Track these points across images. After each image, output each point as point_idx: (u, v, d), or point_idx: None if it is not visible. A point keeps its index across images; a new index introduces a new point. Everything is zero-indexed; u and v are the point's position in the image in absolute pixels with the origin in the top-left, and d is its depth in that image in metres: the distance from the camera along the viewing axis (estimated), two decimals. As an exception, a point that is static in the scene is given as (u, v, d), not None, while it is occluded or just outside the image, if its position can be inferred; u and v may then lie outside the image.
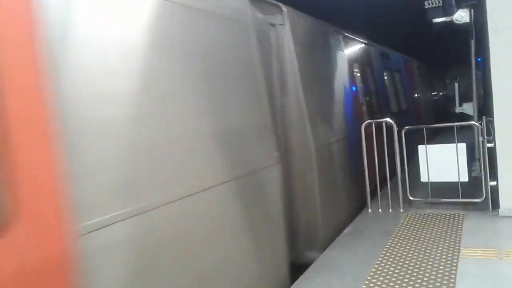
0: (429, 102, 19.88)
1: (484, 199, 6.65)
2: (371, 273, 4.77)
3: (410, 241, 5.63)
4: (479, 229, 5.88)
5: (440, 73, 25.12)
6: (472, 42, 9.00)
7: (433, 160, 7.03)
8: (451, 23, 8.80)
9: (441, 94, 26.98)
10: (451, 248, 5.27)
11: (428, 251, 5.26)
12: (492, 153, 6.55)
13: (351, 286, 4.54)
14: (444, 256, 5.05)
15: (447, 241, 5.52)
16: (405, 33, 14.31)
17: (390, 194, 7.26)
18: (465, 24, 8.68)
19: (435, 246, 5.38)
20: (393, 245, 5.57)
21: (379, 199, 7.33)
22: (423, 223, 6.34)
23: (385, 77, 11.47)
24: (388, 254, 5.27)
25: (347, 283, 4.64)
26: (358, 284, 4.54)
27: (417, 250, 5.31)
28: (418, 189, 7.52)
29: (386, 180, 7.49)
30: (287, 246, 4.95)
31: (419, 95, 16.78)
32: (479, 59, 9.58)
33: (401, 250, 5.38)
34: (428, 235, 5.79)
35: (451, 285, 4.34)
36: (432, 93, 22.51)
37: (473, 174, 7.91)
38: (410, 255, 5.20)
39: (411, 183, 7.30)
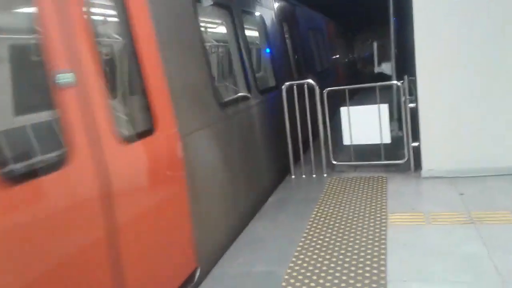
0: (348, 63, 19.98)
1: (407, 160, 6.53)
2: (298, 248, 4.41)
3: (336, 209, 5.35)
4: (404, 192, 5.73)
5: (360, 33, 25.41)
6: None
7: (355, 122, 6.78)
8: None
9: (359, 55, 27.44)
10: (378, 215, 5.05)
11: (355, 219, 4.99)
12: (414, 113, 6.40)
13: (277, 264, 4.16)
14: (372, 224, 4.81)
15: (373, 207, 5.29)
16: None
17: (313, 159, 6.95)
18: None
19: (361, 214, 5.13)
20: (318, 214, 5.25)
21: (302, 164, 7.01)
22: (347, 188, 6.10)
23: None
24: (314, 225, 4.95)
25: (273, 261, 4.25)
26: (284, 262, 4.16)
27: (344, 219, 5.03)
28: (341, 153, 7.29)
29: (309, 144, 7.16)
30: None
31: (338, 56, 16.70)
32: (394, 18, 9.45)
33: (327, 219, 5.08)
34: (353, 202, 5.55)
35: (382, 256, 4.08)
36: (351, 55, 22.70)
37: (391, 134, 7.81)
38: (337, 224, 4.90)
39: (334, 146, 7.03)
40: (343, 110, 6.83)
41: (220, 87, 6.05)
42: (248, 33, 6.98)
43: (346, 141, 6.88)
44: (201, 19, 5.34)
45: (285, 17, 9.20)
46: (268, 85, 7.63)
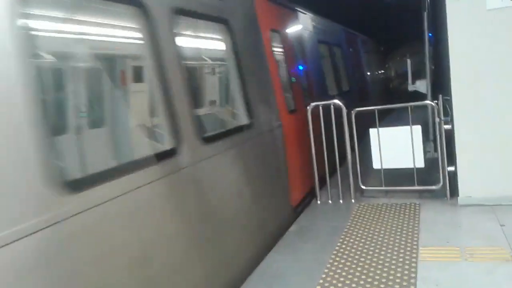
0: (379, 81, 19.38)
1: (442, 186, 6.04)
2: (318, 287, 4.03)
3: (363, 241, 4.94)
4: (438, 222, 5.25)
5: (392, 49, 24.81)
6: (425, 15, 8.37)
7: (385, 144, 6.36)
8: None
9: (393, 72, 26.81)
10: (408, 248, 4.60)
11: (383, 252, 4.57)
12: (449, 135, 5.94)
13: (294, 304, 3.79)
14: (401, 259, 4.37)
15: (403, 239, 4.85)
16: (354, 7, 13.61)
17: (340, 183, 6.55)
18: (417, -6, 8.01)
19: (390, 246, 4.70)
20: (343, 246, 4.85)
21: (328, 189, 6.61)
22: (376, 216, 5.66)
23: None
24: (337, 259, 4.55)
25: (290, 300, 3.88)
26: (302, 302, 3.79)
27: (370, 253, 4.61)
28: (370, 177, 6.87)
29: (336, 168, 6.76)
30: None
31: (368, 73, 16.13)
32: (430, 34, 9.01)
33: (352, 252, 4.67)
34: (382, 232, 5.12)
35: (411, 299, 3.66)
36: (383, 71, 22.09)
37: (427, 156, 7.33)
38: (362, 259, 4.49)
39: (363, 170, 6.62)
40: (373, 131, 6.42)
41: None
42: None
43: (376, 164, 6.45)
44: None
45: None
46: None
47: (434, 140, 8.35)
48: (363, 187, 6.56)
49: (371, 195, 6.55)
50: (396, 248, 4.63)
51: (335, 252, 4.72)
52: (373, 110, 6.66)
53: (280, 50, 6.94)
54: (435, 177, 6.37)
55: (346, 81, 11.53)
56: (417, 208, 5.82)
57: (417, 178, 6.22)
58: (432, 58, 8.87)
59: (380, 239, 4.93)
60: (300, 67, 7.92)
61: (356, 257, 4.54)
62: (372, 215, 5.74)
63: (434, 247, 4.58)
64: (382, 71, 20.27)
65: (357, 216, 5.75)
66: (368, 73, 16.15)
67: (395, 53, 27.39)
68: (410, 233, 4.99)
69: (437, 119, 6.07)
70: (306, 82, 8.06)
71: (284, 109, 6.44)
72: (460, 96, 5.63)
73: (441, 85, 7.70)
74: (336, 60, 10.85)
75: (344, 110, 6.36)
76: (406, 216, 5.56)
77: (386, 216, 5.63)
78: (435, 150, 8.21)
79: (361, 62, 15.07)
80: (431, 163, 6.66)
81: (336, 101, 6.45)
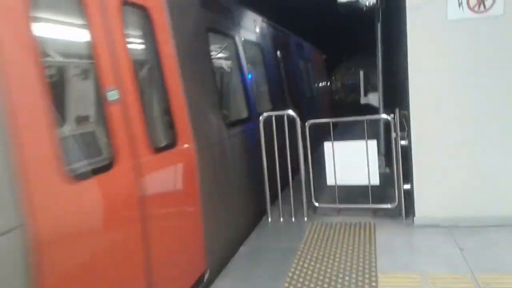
0: (328, 93, 19.36)
1: (397, 204, 5.80)
2: (271, 321, 3.61)
3: (318, 265, 4.57)
4: (395, 245, 4.97)
5: (344, 61, 25.04)
6: (378, 25, 8.21)
7: (340, 159, 6.06)
8: (356, 4, 7.89)
9: (339, 84, 27.06)
10: (366, 275, 4.27)
11: (340, 280, 4.21)
12: (405, 151, 5.71)
13: None
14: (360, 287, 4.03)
15: (361, 264, 4.52)
16: (305, 18, 13.41)
17: (292, 200, 6.18)
18: (372, 5, 7.81)
19: (347, 273, 4.35)
20: (297, 271, 4.46)
21: (280, 206, 6.23)
22: (330, 237, 5.32)
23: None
24: (292, 287, 4.15)
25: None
26: None
27: (327, 280, 4.24)
28: (323, 193, 6.55)
29: (288, 182, 6.40)
30: None
31: (319, 85, 15.99)
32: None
33: (307, 279, 4.28)
34: (338, 255, 4.77)
35: (374, 337, 3.30)
36: (330, 83, 22.15)
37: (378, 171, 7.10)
38: (318, 287, 4.11)
39: (316, 186, 6.28)
40: (327, 145, 6.11)
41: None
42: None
43: (330, 181, 6.14)
44: None
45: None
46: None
47: (385, 155, 8.20)
48: (316, 204, 6.23)
49: (324, 213, 6.22)
50: (353, 275, 4.28)
51: (289, 278, 4.32)
52: (327, 123, 6.38)
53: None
54: (388, 195, 6.15)
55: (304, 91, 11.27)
56: (372, 228, 5.53)
57: (371, 195, 5.95)
58: (383, 70, 8.72)
59: (336, 263, 4.58)
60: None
61: (312, 285, 4.16)
62: (326, 235, 5.39)
63: (393, 273, 4.27)
64: (326, 83, 19.90)
65: (311, 237, 5.39)
66: (319, 85, 15.98)
67: (342, 64, 27.72)
68: (367, 257, 4.67)
69: (393, 134, 5.82)
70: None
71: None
72: (418, 110, 5.41)
73: (394, 99, 7.54)
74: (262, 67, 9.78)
75: (298, 122, 6.01)
76: (362, 237, 5.26)
77: (341, 237, 5.30)
78: (387, 165, 8.05)
79: (316, 75, 14.87)
80: (383, 180, 6.42)
81: (290, 111, 6.08)
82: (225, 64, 7.06)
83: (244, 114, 6.70)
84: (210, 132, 5.01)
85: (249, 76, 7.19)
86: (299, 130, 6.04)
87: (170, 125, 4.15)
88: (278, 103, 8.24)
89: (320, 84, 16.26)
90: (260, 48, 8.15)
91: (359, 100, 9.32)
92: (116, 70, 3.32)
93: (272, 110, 7.05)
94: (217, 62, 6.73)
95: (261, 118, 6.15)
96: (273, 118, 6.17)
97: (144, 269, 3.36)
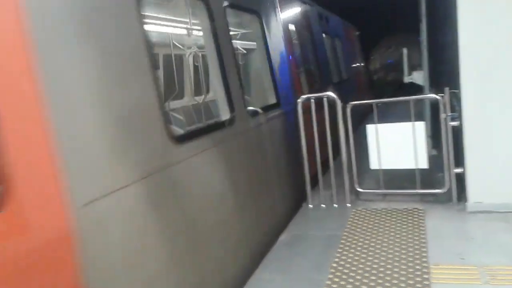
0: (363, 73, 18.74)
1: (448, 190, 5.42)
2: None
3: (364, 255, 4.28)
4: (447, 233, 4.63)
5: (383, 40, 24.30)
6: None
7: (384, 142, 5.72)
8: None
9: (383, 63, 26.35)
10: (417, 266, 3.96)
11: (389, 272, 3.92)
12: (456, 133, 5.32)
13: None
14: (411, 281, 3.72)
15: (410, 253, 4.21)
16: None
17: (334, 184, 5.89)
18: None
19: (396, 264, 4.05)
20: (341, 262, 4.19)
21: (321, 191, 5.95)
22: (376, 224, 5.02)
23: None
24: (337, 279, 3.89)
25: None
26: None
27: (374, 271, 3.96)
28: (366, 178, 6.24)
29: (329, 166, 6.10)
30: None
31: (359, 64, 15.45)
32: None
33: (352, 271, 4.01)
34: (385, 244, 4.47)
35: (429, 336, 3.02)
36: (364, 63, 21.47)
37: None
38: (366, 280, 3.83)
39: (359, 170, 5.97)
40: (370, 128, 5.77)
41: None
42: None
43: (374, 164, 5.81)
44: None
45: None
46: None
47: (433, 137, 7.76)
48: (359, 189, 5.92)
49: (367, 198, 5.91)
50: (403, 267, 3.98)
51: (332, 270, 4.06)
52: (368, 104, 6.05)
53: None
54: (435, 179, 5.78)
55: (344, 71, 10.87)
56: (421, 214, 5.19)
57: (420, 180, 5.60)
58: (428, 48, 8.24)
59: (383, 253, 4.29)
60: None
61: (358, 277, 3.89)
62: (371, 222, 5.10)
63: (447, 265, 3.95)
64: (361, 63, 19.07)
65: (354, 224, 5.10)
66: (356, 64, 15.42)
67: (381, 43, 26.89)
68: (417, 246, 4.36)
69: (442, 115, 5.43)
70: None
71: None
72: (471, 90, 5.00)
73: (441, 78, 7.09)
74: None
75: (339, 104, 5.69)
76: (410, 224, 4.93)
77: (387, 224, 4.99)
78: (433, 146, 7.62)
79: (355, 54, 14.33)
80: (432, 162, 6.03)
81: (331, 93, 5.76)
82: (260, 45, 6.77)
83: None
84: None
85: (282, 58, 6.88)
86: (339, 112, 5.73)
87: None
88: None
89: (354, 64, 15.51)
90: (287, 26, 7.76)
91: (398, 79, 8.92)
92: None
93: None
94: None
95: (299, 100, 5.86)
96: (312, 100, 5.87)
97: None
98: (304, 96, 5.90)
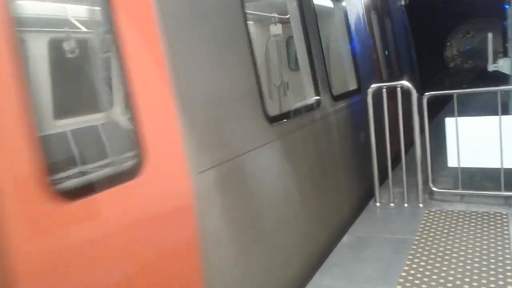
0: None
1: (538, 193, 4.80)
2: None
3: (437, 265, 3.83)
4: (538, 244, 4.06)
5: (460, 26, 22.93)
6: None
7: (465, 138, 5.15)
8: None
9: (461, 50, 24.96)
10: (500, 282, 3.46)
11: (466, 287, 3.46)
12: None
13: None
14: (493, 300, 3.26)
15: (492, 266, 3.71)
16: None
17: (405, 182, 5.40)
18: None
19: (475, 277, 3.57)
20: (411, 271, 3.77)
21: (390, 188, 5.48)
22: (452, 229, 4.52)
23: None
24: (405, 291, 3.49)
25: None
26: None
27: (450, 285, 3.51)
28: (442, 176, 5.69)
29: (400, 162, 5.61)
30: None
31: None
32: (507, 6, 7.60)
33: (424, 282, 3.58)
34: (463, 253, 3.98)
35: None
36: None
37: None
38: (439, 294, 3.41)
39: (434, 167, 5.44)
40: (449, 121, 5.21)
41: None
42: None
43: (452, 162, 5.26)
44: None
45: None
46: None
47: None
48: (434, 188, 5.39)
49: (443, 198, 5.37)
50: (484, 281, 3.50)
51: (401, 280, 3.65)
52: (448, 94, 5.48)
53: None
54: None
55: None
56: (504, 220, 4.62)
57: (504, 181, 5.00)
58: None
59: (461, 263, 3.81)
60: None
61: (431, 291, 3.46)
62: (447, 227, 4.60)
63: (538, 283, 3.42)
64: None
65: (428, 227, 4.63)
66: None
67: (458, 29, 25.33)
68: (500, 258, 3.84)
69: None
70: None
71: None
72: None
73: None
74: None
75: (415, 94, 5.18)
76: (492, 230, 4.39)
77: (465, 230, 4.47)
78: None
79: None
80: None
81: (405, 82, 5.26)
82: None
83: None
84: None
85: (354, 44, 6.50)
86: (415, 103, 5.21)
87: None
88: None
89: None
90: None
91: (477, 67, 8.20)
92: None
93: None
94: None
95: (369, 90, 5.41)
96: (384, 89, 5.39)
97: None
98: (375, 85, 5.44)
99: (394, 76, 8.02)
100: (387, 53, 8.14)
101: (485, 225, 4.55)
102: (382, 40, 8.03)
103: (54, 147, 2.89)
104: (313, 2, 5.30)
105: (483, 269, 3.69)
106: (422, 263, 3.89)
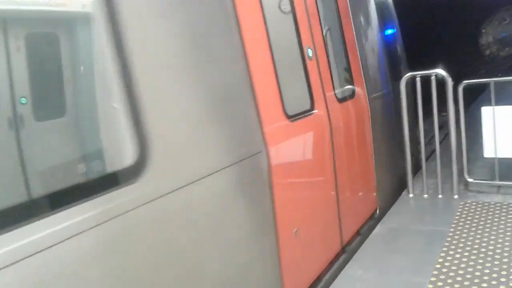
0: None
1: None
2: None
3: (473, 257, 3.74)
4: None
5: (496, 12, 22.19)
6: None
7: (502, 128, 5.00)
8: None
9: (496, 37, 24.18)
10: (541, 277, 3.37)
11: (503, 280, 3.37)
12: None
13: None
14: (532, 294, 3.17)
15: (531, 260, 3.60)
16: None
17: (440, 172, 5.28)
18: None
19: (514, 271, 3.48)
20: (446, 264, 3.69)
21: (424, 179, 5.37)
22: (488, 221, 4.40)
23: None
24: (440, 283, 3.41)
25: None
26: None
27: (486, 278, 3.43)
28: (478, 167, 5.55)
29: (434, 152, 5.50)
30: None
31: None
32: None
33: (459, 275, 3.50)
34: (499, 247, 3.88)
35: None
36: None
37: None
38: (475, 287, 3.33)
39: (470, 158, 5.30)
40: (486, 111, 5.07)
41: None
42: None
43: (488, 152, 5.12)
44: None
45: None
46: None
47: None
48: (469, 179, 5.26)
49: (479, 189, 5.24)
50: (523, 276, 3.40)
51: (435, 273, 3.58)
52: (485, 83, 5.33)
53: None
54: None
55: None
56: (544, 212, 4.48)
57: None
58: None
59: (497, 257, 3.71)
60: None
61: (466, 283, 3.38)
62: (483, 219, 4.48)
63: None
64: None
65: (463, 219, 4.52)
66: None
67: (494, 16, 24.56)
68: (540, 252, 3.72)
69: None
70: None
71: None
72: None
73: None
74: None
75: (450, 83, 5.04)
76: (531, 223, 4.26)
77: (502, 222, 4.35)
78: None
79: None
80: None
81: (440, 70, 5.12)
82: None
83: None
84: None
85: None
86: (450, 92, 5.08)
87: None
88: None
89: None
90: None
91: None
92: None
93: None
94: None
95: (403, 78, 5.30)
96: (418, 78, 5.27)
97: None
98: (409, 74, 5.32)
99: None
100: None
101: (524, 218, 4.42)
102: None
103: None
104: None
105: (521, 263, 3.59)
106: (457, 256, 3.80)
